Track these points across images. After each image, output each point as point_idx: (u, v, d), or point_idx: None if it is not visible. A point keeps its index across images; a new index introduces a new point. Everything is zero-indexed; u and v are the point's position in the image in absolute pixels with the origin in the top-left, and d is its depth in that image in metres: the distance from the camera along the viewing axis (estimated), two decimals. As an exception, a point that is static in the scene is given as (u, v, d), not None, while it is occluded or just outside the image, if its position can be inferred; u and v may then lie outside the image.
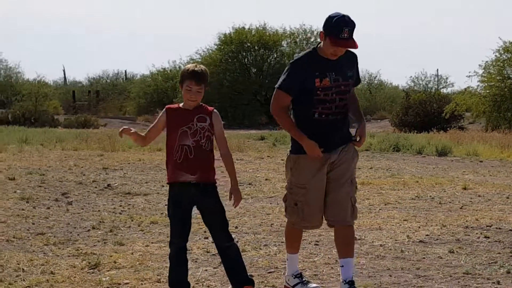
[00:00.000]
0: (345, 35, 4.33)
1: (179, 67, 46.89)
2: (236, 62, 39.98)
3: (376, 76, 53.56)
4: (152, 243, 6.16)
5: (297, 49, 40.70)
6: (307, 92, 4.46)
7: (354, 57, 4.64)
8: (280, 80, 4.52)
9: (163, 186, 9.78)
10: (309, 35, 42.04)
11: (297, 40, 42.28)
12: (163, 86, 46.09)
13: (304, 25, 42.43)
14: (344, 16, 4.37)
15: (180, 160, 4.35)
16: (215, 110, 4.52)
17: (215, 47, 41.13)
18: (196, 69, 4.39)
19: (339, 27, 4.31)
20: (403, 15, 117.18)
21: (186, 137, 4.36)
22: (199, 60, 41.05)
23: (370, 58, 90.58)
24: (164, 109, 4.52)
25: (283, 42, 41.10)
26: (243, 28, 40.72)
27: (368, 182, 10.42)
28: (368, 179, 10.76)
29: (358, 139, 4.49)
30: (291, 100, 4.51)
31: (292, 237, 4.68)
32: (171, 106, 4.57)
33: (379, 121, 37.75)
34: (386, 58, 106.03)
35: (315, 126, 4.48)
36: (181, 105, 4.51)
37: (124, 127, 4.46)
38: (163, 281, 4.83)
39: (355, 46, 4.41)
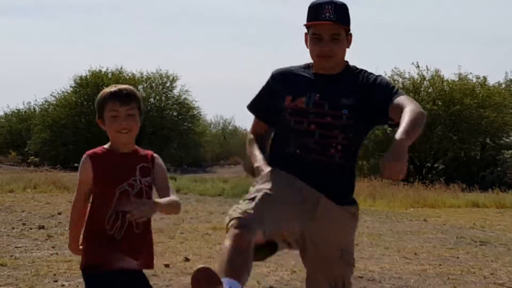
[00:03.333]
0: (327, 14, 3.19)
1: (34, 108, 45.76)
2: (92, 105, 39.29)
3: (230, 122, 54.67)
4: (1, 286, 6.08)
5: (152, 94, 41.15)
6: (278, 114, 3.32)
7: (366, 79, 3.29)
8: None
9: (14, 228, 9.66)
10: (165, 79, 42.36)
11: (153, 84, 42.49)
12: (17, 128, 44.87)
13: (160, 70, 42.68)
14: None
15: (119, 236, 3.01)
16: (155, 155, 3.21)
17: (71, 89, 40.46)
18: (116, 88, 3.09)
19: (318, 5, 3.23)
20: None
21: (127, 199, 3.00)
22: (54, 102, 40.34)
23: (225, 104, 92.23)
24: (84, 157, 3.11)
25: (139, 87, 41.11)
26: (100, 71, 40.42)
27: (220, 227, 10.59)
28: (220, 224, 11.01)
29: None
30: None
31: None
32: (95, 150, 3.14)
33: (232, 166, 38.48)
34: (240, 102, 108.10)
35: (287, 164, 3.23)
36: (106, 146, 3.14)
37: None
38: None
39: (345, 29, 3.25)
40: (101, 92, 3.12)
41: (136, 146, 3.17)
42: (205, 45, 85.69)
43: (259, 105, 3.44)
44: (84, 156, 3.09)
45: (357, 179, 17.97)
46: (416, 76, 31.80)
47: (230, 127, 54.61)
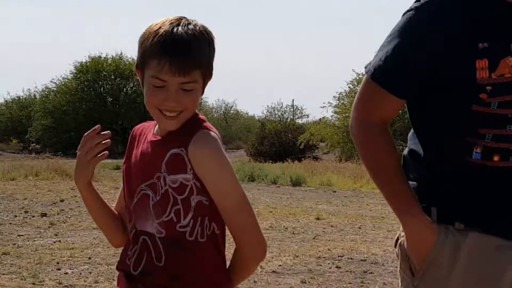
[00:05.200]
0: None
1: (34, 95, 45.78)
2: (92, 91, 39.41)
3: (232, 106, 54.73)
4: (4, 274, 6.12)
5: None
6: (455, 92, 1.85)
7: None
8: (375, 58, 1.95)
9: (16, 216, 9.69)
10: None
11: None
12: (18, 115, 44.99)
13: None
14: None
15: (136, 271, 1.87)
16: (203, 131, 1.81)
17: (71, 75, 40.43)
18: (175, 31, 1.75)
19: None
20: (258, 48, 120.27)
21: (144, 211, 1.87)
22: (55, 89, 40.33)
23: (226, 88, 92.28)
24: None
25: (139, 72, 41.03)
26: (100, 57, 40.34)
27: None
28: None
29: None
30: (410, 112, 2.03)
31: None
32: (142, 125, 2.03)
33: (234, 150, 38.56)
34: (242, 88, 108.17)
35: (475, 181, 1.87)
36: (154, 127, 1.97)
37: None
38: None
39: None
40: (150, 30, 1.80)
41: (197, 113, 1.90)
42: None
43: (403, 79, 1.90)
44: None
45: (358, 162, 17.78)
46: None
47: (232, 111, 54.75)
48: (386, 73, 1.89)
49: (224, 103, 54.66)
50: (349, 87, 30.72)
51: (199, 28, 1.81)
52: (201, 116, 1.89)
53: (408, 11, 1.89)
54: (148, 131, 1.95)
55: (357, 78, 29.82)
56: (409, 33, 1.87)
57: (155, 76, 1.77)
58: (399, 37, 1.88)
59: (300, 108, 52.61)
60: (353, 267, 6.73)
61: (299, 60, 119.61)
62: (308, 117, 50.92)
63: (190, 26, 1.79)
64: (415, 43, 1.86)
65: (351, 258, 7.13)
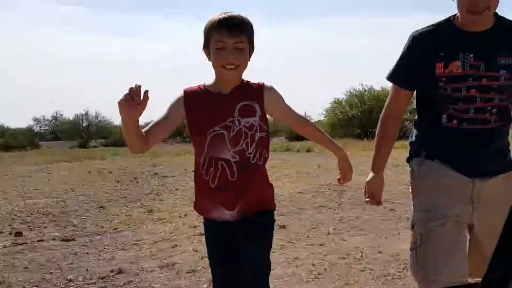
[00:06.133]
0: None
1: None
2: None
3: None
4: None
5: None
6: (427, 84, 2.94)
7: None
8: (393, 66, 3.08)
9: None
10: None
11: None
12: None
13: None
14: None
15: (214, 185, 2.72)
16: (266, 85, 2.78)
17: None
18: (226, 15, 2.66)
19: None
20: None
21: (222, 144, 2.69)
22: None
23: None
24: (180, 94, 2.78)
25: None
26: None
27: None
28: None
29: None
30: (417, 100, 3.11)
31: None
32: (192, 88, 2.80)
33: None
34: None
35: (446, 136, 2.94)
36: (207, 84, 2.79)
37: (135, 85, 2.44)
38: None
39: None
40: (210, 19, 2.66)
41: (245, 80, 2.77)
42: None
43: (403, 74, 3.00)
44: (180, 93, 2.76)
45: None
46: None
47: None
48: (394, 74, 3.06)
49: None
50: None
51: (243, 15, 2.69)
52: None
53: (409, 36, 2.99)
54: (201, 92, 2.78)
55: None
56: (406, 48, 3.00)
57: (218, 40, 2.63)
58: (402, 51, 3.02)
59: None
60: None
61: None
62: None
63: (237, 14, 2.67)
64: (410, 54, 2.99)
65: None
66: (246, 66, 2.71)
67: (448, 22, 2.92)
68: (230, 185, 2.70)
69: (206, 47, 2.71)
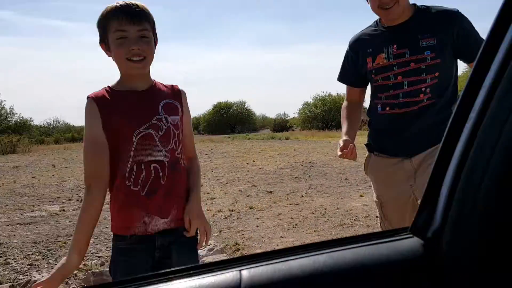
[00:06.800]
0: None
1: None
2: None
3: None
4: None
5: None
6: (368, 78, 3.20)
7: (442, 16, 2.97)
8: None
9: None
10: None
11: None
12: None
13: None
14: None
15: (144, 192, 2.29)
16: (182, 89, 2.49)
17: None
18: (123, 2, 2.26)
19: None
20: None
21: (151, 146, 2.29)
22: None
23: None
24: (88, 101, 2.29)
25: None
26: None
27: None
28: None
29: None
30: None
31: None
32: (97, 92, 2.32)
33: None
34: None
35: (382, 125, 3.15)
36: (112, 85, 2.35)
37: None
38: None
39: None
40: (104, 9, 2.24)
41: (155, 80, 2.41)
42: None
43: (347, 75, 3.31)
44: (88, 100, 2.28)
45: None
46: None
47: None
48: (341, 76, 3.38)
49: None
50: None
51: (141, 3, 2.27)
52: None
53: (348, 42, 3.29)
54: (113, 94, 2.29)
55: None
56: (346, 52, 3.32)
57: (117, 29, 2.19)
58: (344, 55, 3.34)
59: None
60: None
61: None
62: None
63: (135, 1, 2.26)
64: (348, 58, 3.30)
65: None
66: (152, 58, 2.32)
67: (376, 23, 3.15)
68: (160, 188, 2.31)
69: (103, 41, 2.29)
